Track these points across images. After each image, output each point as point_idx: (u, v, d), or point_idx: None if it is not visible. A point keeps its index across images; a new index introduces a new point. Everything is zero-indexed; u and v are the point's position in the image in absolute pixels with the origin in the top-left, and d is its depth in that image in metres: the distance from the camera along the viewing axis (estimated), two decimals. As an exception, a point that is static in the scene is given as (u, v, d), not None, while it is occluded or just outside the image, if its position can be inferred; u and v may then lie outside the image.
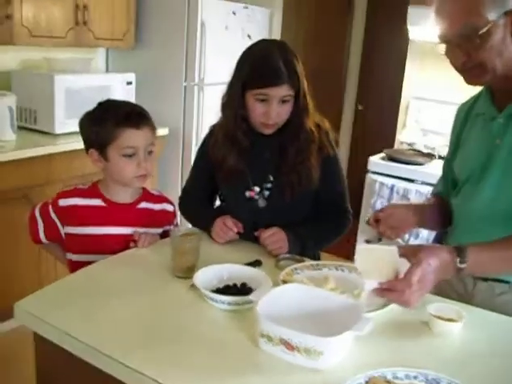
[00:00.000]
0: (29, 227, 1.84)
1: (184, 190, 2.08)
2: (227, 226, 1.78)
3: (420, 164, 3.39)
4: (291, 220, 1.80)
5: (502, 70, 1.39)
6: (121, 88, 3.62)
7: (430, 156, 3.55)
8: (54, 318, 1.29)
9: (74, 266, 1.73)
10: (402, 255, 1.29)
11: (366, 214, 3.43)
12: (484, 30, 1.32)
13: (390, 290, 1.26)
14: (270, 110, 1.73)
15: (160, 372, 1.12)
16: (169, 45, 3.79)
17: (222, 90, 3.46)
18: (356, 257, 1.35)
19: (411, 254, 1.28)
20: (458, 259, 1.28)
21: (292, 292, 1.32)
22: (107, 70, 4.11)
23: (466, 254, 1.29)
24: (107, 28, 3.60)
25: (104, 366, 1.18)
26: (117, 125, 1.68)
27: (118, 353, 1.17)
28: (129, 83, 3.68)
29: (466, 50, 1.36)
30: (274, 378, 1.13)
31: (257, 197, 1.86)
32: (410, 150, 3.77)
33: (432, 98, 3.79)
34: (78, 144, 3.11)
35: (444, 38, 1.39)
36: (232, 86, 1.81)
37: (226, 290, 1.44)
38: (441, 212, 1.70)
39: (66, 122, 3.28)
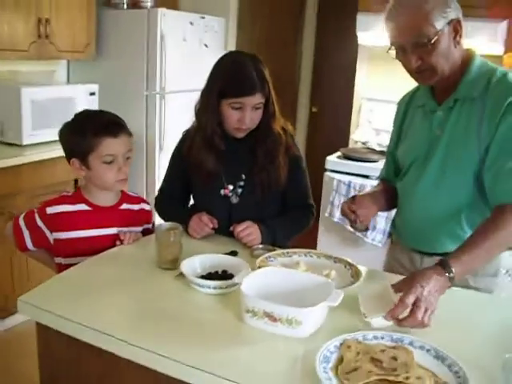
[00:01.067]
0: (14, 236, 1.90)
1: (160, 190, 2.22)
2: (203, 222, 1.93)
3: (374, 161, 3.60)
4: (262, 215, 1.96)
5: (448, 71, 1.61)
6: (84, 99, 3.72)
7: (383, 153, 3.76)
8: (56, 307, 1.41)
9: (64, 269, 1.79)
10: (397, 290, 1.40)
11: (325, 209, 3.62)
12: (434, 38, 1.53)
13: (404, 320, 1.33)
14: (244, 116, 1.89)
15: (158, 346, 1.25)
16: (130, 56, 3.92)
17: (182, 97, 3.63)
18: (360, 301, 1.45)
19: (404, 285, 1.40)
20: (445, 272, 1.42)
21: (270, 274, 1.50)
22: (68, 82, 4.19)
23: (449, 265, 1.42)
24: (69, 40, 3.70)
25: (109, 345, 1.31)
26: (96, 135, 1.80)
27: (118, 332, 1.31)
28: (92, 94, 3.79)
29: (419, 56, 1.57)
30: (259, 347, 1.29)
31: (230, 194, 2.02)
32: (364, 148, 3.99)
33: (382, 98, 4.01)
34: (46, 154, 3.28)
35: (399, 45, 1.59)
36: (207, 94, 1.95)
37: (210, 276, 1.59)
38: (388, 195, 1.92)
39: (33, 133, 3.38)
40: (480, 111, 1.61)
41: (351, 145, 4.20)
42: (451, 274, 1.42)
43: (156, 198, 2.20)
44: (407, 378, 1.10)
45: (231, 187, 2.02)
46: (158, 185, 3.87)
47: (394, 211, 1.98)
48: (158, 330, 1.35)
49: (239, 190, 2.02)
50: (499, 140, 1.57)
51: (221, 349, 1.28)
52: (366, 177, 3.50)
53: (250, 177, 2.01)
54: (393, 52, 1.63)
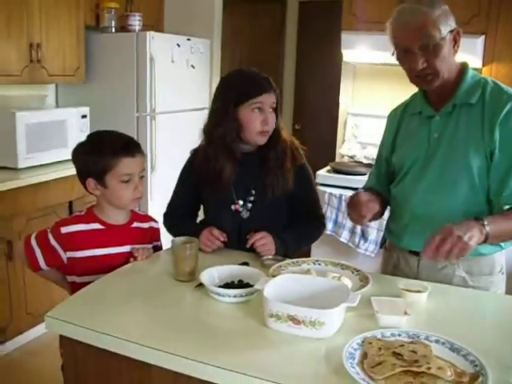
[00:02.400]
0: (26, 257, 1.93)
1: (169, 207, 2.27)
2: (214, 236, 2.00)
3: (363, 174, 3.70)
4: (271, 229, 2.02)
5: (447, 77, 1.75)
6: (76, 122, 3.79)
7: (371, 166, 3.87)
8: (84, 322, 1.47)
9: (78, 288, 1.82)
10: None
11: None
12: (440, 42, 1.68)
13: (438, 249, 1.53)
14: (267, 117, 1.97)
15: (188, 352, 1.32)
16: (120, 78, 4.00)
17: (173, 117, 3.71)
18: (372, 301, 1.54)
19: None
20: (479, 222, 1.59)
21: (288, 280, 1.58)
22: (57, 105, 4.25)
23: (483, 219, 1.60)
24: (59, 65, 3.77)
25: (141, 354, 1.37)
26: (114, 154, 1.86)
27: (148, 341, 1.37)
28: (84, 116, 3.85)
29: (425, 58, 1.70)
30: (284, 349, 1.36)
31: (241, 209, 2.09)
32: (352, 161, 4.10)
33: (367, 113, 4.15)
34: (42, 177, 3.32)
35: (406, 48, 1.72)
36: (223, 106, 2.00)
37: (228, 286, 1.66)
38: (381, 201, 1.98)
39: (28, 157, 3.43)
40: (479, 116, 1.75)
41: (338, 159, 4.31)
42: (485, 222, 1.59)
43: (165, 215, 2.26)
44: (429, 368, 1.19)
45: (241, 202, 2.08)
46: (151, 204, 4.00)
47: (384, 222, 2.07)
48: (186, 337, 1.42)
49: (249, 205, 2.08)
50: (501, 145, 1.71)
51: (248, 352, 1.34)
52: (356, 189, 3.57)
53: (259, 191, 2.07)
54: (395, 56, 1.77)
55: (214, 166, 2.03)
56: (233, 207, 2.09)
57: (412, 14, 1.71)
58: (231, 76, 2.08)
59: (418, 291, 1.63)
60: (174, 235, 2.05)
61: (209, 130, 2.06)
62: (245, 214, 2.09)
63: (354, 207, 1.87)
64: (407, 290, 1.63)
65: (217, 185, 2.05)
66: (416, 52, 1.70)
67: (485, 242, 1.60)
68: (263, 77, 2.00)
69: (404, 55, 1.75)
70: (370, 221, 1.97)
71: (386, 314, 1.47)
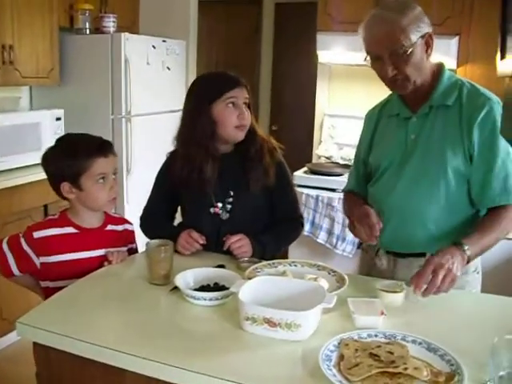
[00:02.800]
0: None
1: (145, 210, 2.25)
2: (193, 238, 1.98)
3: (340, 174, 3.72)
4: (251, 230, 2.01)
5: (420, 81, 1.76)
6: (50, 124, 3.74)
7: (347, 166, 3.88)
8: (56, 327, 1.44)
9: (52, 293, 1.79)
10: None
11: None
12: (410, 49, 1.67)
13: (426, 291, 1.54)
14: (242, 110, 1.97)
15: (162, 357, 1.30)
16: (94, 80, 3.95)
17: (148, 120, 3.68)
18: (349, 302, 1.53)
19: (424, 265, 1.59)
20: (460, 246, 1.61)
21: (264, 282, 1.57)
22: (31, 108, 4.18)
23: (462, 242, 1.63)
24: (33, 67, 3.70)
25: (114, 359, 1.35)
26: (89, 155, 1.84)
27: (122, 346, 1.35)
28: (58, 119, 3.80)
29: (395, 65, 1.70)
30: (260, 352, 1.35)
31: (220, 211, 2.07)
32: (329, 162, 4.11)
33: (343, 114, 4.16)
34: (16, 180, 3.27)
35: (376, 55, 1.73)
36: (196, 105, 2.00)
37: (203, 289, 1.65)
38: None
39: (2, 160, 3.37)
40: (457, 118, 1.76)
41: (315, 160, 4.32)
42: (465, 247, 1.61)
43: (141, 218, 2.23)
44: (405, 368, 1.18)
45: (220, 205, 2.07)
46: (127, 207, 3.96)
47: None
48: (160, 342, 1.40)
49: (229, 207, 2.07)
50: (479, 148, 1.73)
51: (224, 356, 1.33)
52: (333, 190, 3.60)
53: (238, 191, 2.06)
54: (368, 61, 1.77)
55: (193, 169, 2.01)
56: (211, 210, 2.07)
57: (381, 22, 1.71)
58: (201, 78, 2.11)
59: (394, 291, 1.63)
60: (151, 238, 2.02)
61: (183, 133, 2.05)
62: (224, 216, 2.07)
63: (364, 227, 1.79)
64: (384, 291, 1.62)
65: (198, 187, 2.03)
66: (386, 59, 1.70)
67: (466, 264, 1.65)
68: (232, 74, 2.02)
69: (375, 62, 1.75)
70: None
71: (363, 315, 1.46)
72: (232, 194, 2.07)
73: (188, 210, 2.17)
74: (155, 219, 2.19)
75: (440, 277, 1.52)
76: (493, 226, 1.72)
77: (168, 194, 2.16)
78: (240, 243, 1.95)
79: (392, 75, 1.72)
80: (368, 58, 1.76)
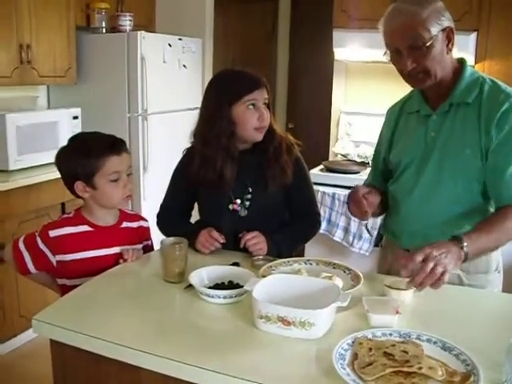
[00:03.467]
0: (15, 260, 1.91)
1: (162, 208, 2.24)
2: (213, 237, 1.98)
3: (356, 172, 3.70)
4: (269, 227, 2.02)
5: (440, 76, 1.73)
6: (67, 123, 3.77)
7: (364, 164, 3.87)
8: (72, 325, 1.45)
9: (69, 290, 1.79)
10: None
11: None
12: (430, 42, 1.65)
13: (416, 277, 1.46)
14: (262, 112, 1.96)
15: (178, 355, 1.30)
16: (111, 79, 3.98)
17: (164, 118, 3.67)
18: (364, 301, 1.52)
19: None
20: (457, 242, 1.53)
21: (278, 280, 1.56)
22: (49, 107, 4.23)
23: (461, 238, 1.55)
24: (50, 66, 3.75)
25: (130, 358, 1.35)
26: (101, 154, 1.85)
27: (137, 344, 1.35)
28: (75, 117, 3.84)
29: (414, 58, 1.68)
30: (273, 351, 1.35)
31: (239, 208, 2.07)
32: (345, 160, 4.09)
33: (360, 111, 4.14)
34: (33, 179, 3.30)
35: (395, 48, 1.71)
36: (216, 105, 1.98)
37: (217, 287, 1.65)
38: (381, 194, 1.96)
39: (19, 159, 3.41)
40: (476, 116, 1.73)
41: (332, 157, 4.30)
42: (464, 244, 1.53)
43: (158, 215, 2.23)
44: (420, 368, 1.17)
45: (239, 201, 2.07)
46: (144, 204, 3.98)
47: (378, 221, 2.06)
48: (175, 339, 1.40)
49: (247, 203, 2.07)
50: (497, 145, 1.69)
51: (238, 354, 1.33)
52: (350, 188, 3.56)
53: (257, 188, 2.06)
54: (388, 55, 1.75)
55: (214, 168, 2.00)
56: (230, 207, 2.07)
57: (400, 15, 1.70)
58: (221, 76, 2.07)
59: (399, 288, 1.61)
60: (168, 236, 2.01)
61: (202, 131, 2.04)
62: (242, 213, 2.07)
63: (354, 204, 1.87)
64: (390, 287, 1.61)
65: (216, 186, 2.02)
66: (404, 52, 1.69)
67: (463, 262, 1.57)
68: (252, 74, 2.00)
69: (394, 56, 1.74)
70: (374, 216, 1.97)
71: (377, 314, 1.45)
72: (250, 190, 2.07)
73: (206, 207, 2.16)
74: (172, 217, 2.19)
75: (430, 265, 1.45)
76: (493, 225, 1.65)
77: (185, 191, 2.16)
78: (255, 240, 1.95)
79: (411, 68, 1.70)
80: (388, 52, 1.75)
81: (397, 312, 1.46)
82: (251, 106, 1.95)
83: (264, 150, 2.04)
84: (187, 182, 2.11)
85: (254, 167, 2.06)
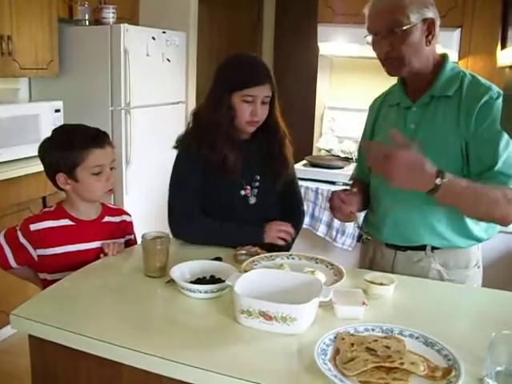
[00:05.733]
0: None
1: (181, 213, 2.08)
2: (283, 230, 2.05)
3: (340, 167, 3.70)
4: (274, 215, 2.09)
5: (417, 66, 1.75)
6: (49, 116, 3.71)
7: (348, 159, 3.87)
8: (51, 320, 1.43)
9: (49, 285, 1.77)
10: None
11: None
12: (406, 27, 1.68)
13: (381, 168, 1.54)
14: (256, 108, 1.97)
15: (158, 350, 1.28)
16: (94, 72, 3.93)
17: (147, 111, 3.62)
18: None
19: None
20: (436, 170, 1.54)
21: (260, 275, 1.55)
22: (30, 99, 4.17)
23: (443, 171, 1.54)
24: (31, 58, 3.68)
25: (110, 353, 1.33)
26: (84, 147, 1.83)
27: (117, 340, 1.33)
28: (57, 111, 3.78)
29: (390, 42, 1.71)
30: (255, 345, 1.34)
31: (249, 194, 2.10)
32: (329, 155, 4.08)
33: (344, 106, 4.14)
34: (14, 172, 3.25)
35: (374, 31, 1.74)
36: (219, 91, 2.00)
37: (199, 281, 1.63)
38: (363, 196, 1.99)
39: (0, 152, 3.34)
40: (456, 108, 1.74)
41: (315, 153, 4.29)
42: (444, 176, 1.54)
43: (177, 221, 2.08)
44: (402, 363, 1.17)
45: (249, 187, 2.10)
46: (127, 198, 3.94)
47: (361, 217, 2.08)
48: (156, 335, 1.39)
49: (255, 191, 2.10)
50: (479, 137, 1.70)
51: (220, 349, 1.32)
52: (333, 183, 3.58)
53: (264, 177, 2.10)
54: (369, 38, 1.77)
55: (215, 150, 2.00)
56: (242, 192, 2.09)
57: (382, 1, 1.73)
58: (230, 61, 2.07)
59: (381, 283, 1.61)
60: (200, 241, 2.03)
61: (204, 112, 2.05)
62: (252, 200, 2.10)
63: (336, 211, 1.90)
64: (372, 282, 1.61)
65: (223, 170, 2.02)
66: (383, 35, 1.72)
67: (432, 195, 1.56)
68: (261, 66, 2.01)
69: (374, 39, 1.76)
70: (360, 211, 2.00)
71: (344, 305, 1.46)
72: (258, 178, 2.10)
73: (218, 194, 2.08)
74: (200, 218, 2.07)
75: (394, 164, 1.49)
76: (481, 187, 1.62)
77: (198, 188, 2.06)
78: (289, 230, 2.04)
79: (386, 51, 1.73)
80: (369, 37, 1.77)
81: (364, 304, 1.46)
82: (249, 99, 1.96)
83: (268, 142, 2.09)
84: (196, 177, 2.05)
85: (259, 157, 2.10)
